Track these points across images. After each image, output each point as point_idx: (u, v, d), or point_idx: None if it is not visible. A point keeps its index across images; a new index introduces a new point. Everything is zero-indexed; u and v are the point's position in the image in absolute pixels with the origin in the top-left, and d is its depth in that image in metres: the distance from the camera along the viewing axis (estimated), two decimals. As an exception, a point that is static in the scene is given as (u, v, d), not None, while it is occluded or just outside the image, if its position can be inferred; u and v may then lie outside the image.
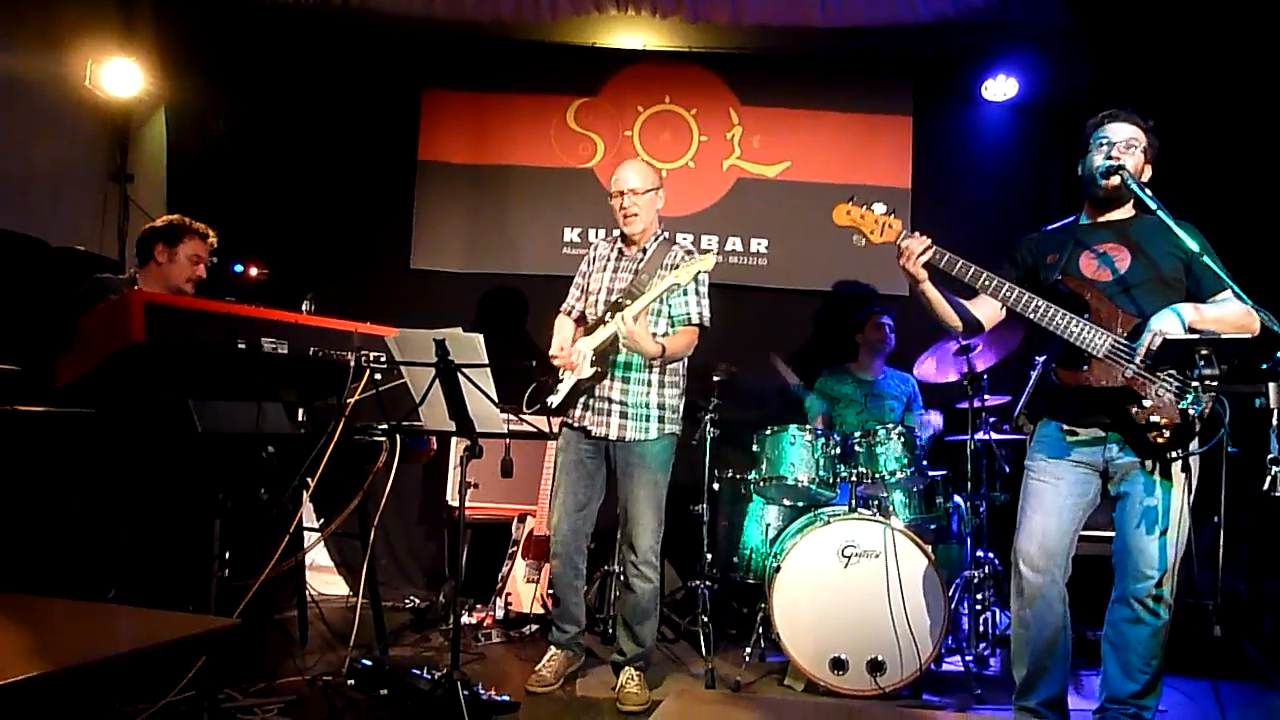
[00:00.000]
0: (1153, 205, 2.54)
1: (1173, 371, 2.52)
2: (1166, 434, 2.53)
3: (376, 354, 2.97)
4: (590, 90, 5.01)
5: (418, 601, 4.40)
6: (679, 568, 4.47)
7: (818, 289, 4.91)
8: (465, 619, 4.10)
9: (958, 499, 4.14)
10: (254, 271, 3.89)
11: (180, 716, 2.33)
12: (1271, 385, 2.18)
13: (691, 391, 3.55)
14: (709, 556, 3.90)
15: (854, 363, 4.56)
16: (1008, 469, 4.11)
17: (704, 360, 3.69)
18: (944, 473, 3.99)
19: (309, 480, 2.93)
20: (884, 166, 4.92)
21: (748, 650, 3.56)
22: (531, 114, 4.99)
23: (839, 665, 3.37)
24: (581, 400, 3.35)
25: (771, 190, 4.96)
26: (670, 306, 3.34)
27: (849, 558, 3.45)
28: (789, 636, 3.41)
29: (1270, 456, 2.13)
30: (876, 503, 3.77)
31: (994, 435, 4.05)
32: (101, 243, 4.47)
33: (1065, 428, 2.74)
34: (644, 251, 3.38)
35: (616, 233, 3.48)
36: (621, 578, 3.48)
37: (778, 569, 3.46)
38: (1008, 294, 2.67)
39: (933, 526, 3.95)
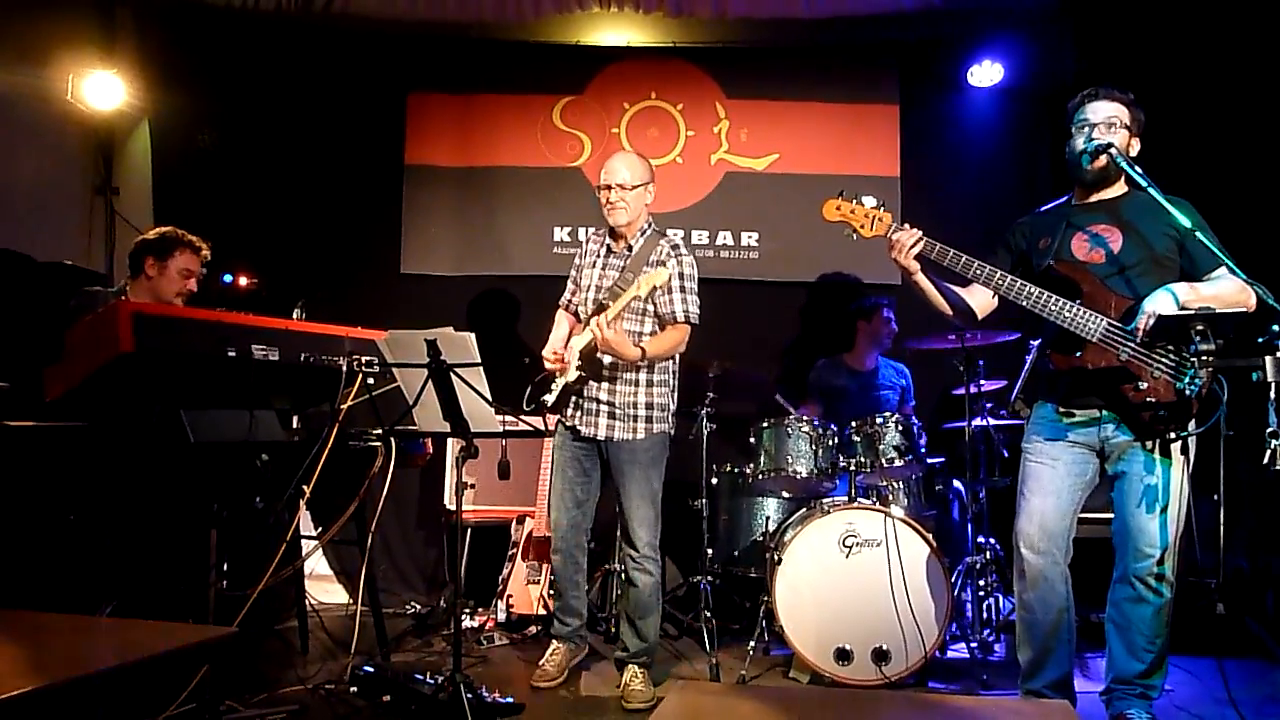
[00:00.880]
0: (1143, 183, 2.53)
1: (1170, 349, 2.52)
2: (1163, 414, 2.53)
3: (369, 358, 2.95)
4: (576, 89, 4.99)
5: (419, 607, 4.38)
6: (680, 564, 4.46)
7: (810, 280, 4.90)
8: (467, 622, 4.07)
9: (957, 485, 4.14)
10: (244, 282, 3.88)
11: (182, 729, 2.32)
12: (1269, 359, 2.18)
13: (687, 387, 3.53)
14: (710, 551, 3.89)
15: (849, 354, 4.54)
16: (1006, 453, 4.10)
17: (698, 356, 3.68)
18: (943, 459, 3.98)
19: (305, 487, 2.91)
20: (872, 156, 4.91)
21: (751, 644, 3.54)
22: (518, 114, 4.97)
23: (844, 656, 3.36)
24: (572, 400, 3.33)
25: (760, 183, 4.94)
26: (656, 305, 3.29)
27: (850, 548, 3.43)
28: (792, 629, 3.39)
29: (1269, 430, 2.13)
30: (876, 492, 3.76)
31: (991, 421, 4.05)
32: (89, 257, 4.45)
33: (1061, 409, 2.74)
34: (630, 248, 3.33)
35: (606, 227, 3.46)
36: (623, 574, 3.47)
37: (779, 561, 3.44)
38: (999, 282, 2.66)
39: (933, 513, 3.95)
